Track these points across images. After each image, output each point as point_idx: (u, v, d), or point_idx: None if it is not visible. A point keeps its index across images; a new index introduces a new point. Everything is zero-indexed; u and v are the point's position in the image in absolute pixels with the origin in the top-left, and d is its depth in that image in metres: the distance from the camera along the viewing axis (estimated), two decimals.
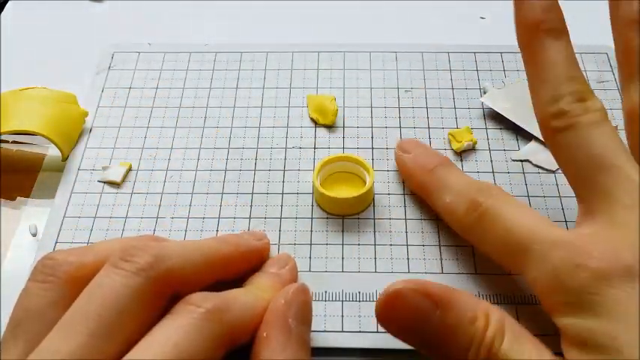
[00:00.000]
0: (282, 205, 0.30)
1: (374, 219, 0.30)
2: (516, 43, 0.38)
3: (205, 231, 0.30)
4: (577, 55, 0.37)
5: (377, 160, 0.32)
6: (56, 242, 0.29)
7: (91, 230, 0.30)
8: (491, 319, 0.21)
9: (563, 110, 0.24)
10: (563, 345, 0.21)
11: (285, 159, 0.32)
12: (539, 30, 0.25)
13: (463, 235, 0.26)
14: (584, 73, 0.36)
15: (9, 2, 0.43)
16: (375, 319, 0.26)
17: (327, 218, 0.30)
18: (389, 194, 0.31)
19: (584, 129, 0.23)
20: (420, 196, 0.29)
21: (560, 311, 0.21)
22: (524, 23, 0.25)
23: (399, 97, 0.35)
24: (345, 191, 0.30)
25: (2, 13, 0.42)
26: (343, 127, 0.34)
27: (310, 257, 0.28)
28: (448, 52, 0.37)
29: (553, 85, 0.24)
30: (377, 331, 0.26)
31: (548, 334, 0.26)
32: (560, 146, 0.24)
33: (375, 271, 0.28)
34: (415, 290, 0.21)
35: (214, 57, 0.38)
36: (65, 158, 0.33)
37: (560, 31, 0.25)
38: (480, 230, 0.25)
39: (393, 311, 0.21)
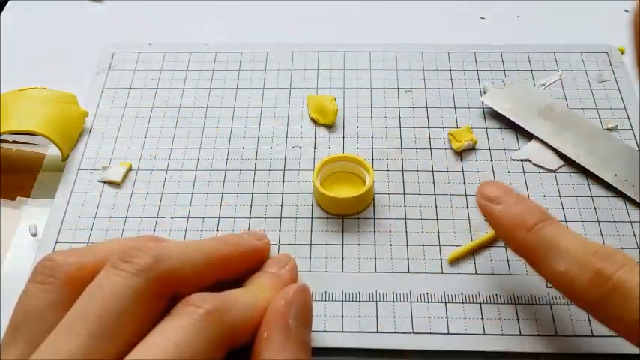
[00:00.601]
0: (282, 205, 0.30)
1: (374, 219, 0.30)
2: (516, 43, 0.38)
3: (205, 231, 0.30)
4: (577, 55, 0.37)
5: (377, 160, 0.32)
6: (56, 242, 0.29)
7: (91, 230, 0.30)
8: None
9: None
10: None
11: (285, 159, 0.32)
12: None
13: (582, 308, 0.23)
14: (584, 73, 0.36)
15: (9, 2, 0.43)
16: (374, 319, 0.26)
17: (327, 218, 0.30)
18: (389, 194, 0.31)
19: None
20: (520, 256, 0.25)
21: None
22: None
23: (399, 97, 0.35)
24: (345, 191, 0.30)
25: (2, 13, 0.42)
26: (343, 127, 0.34)
27: (310, 257, 0.28)
28: (448, 52, 0.37)
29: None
30: (377, 331, 0.26)
31: (549, 335, 0.26)
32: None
33: (375, 271, 0.28)
34: None
35: (214, 57, 0.38)
36: (65, 158, 0.33)
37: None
38: (609, 306, 0.21)
39: None
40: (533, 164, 0.32)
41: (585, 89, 0.35)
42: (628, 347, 0.25)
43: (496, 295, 0.27)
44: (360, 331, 0.26)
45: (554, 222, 0.24)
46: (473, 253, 0.28)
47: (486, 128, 0.33)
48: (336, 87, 0.36)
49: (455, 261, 0.28)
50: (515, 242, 0.25)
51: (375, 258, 0.28)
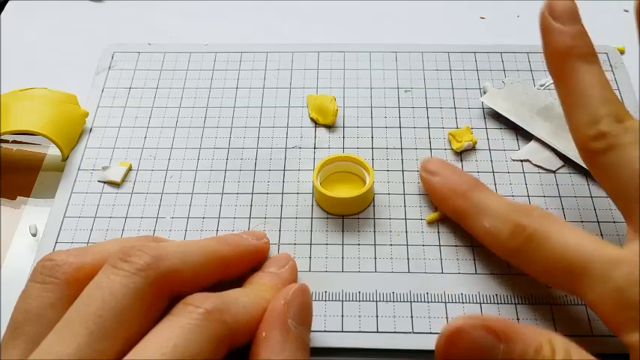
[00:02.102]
0: (282, 205, 0.30)
1: (374, 219, 0.30)
2: (516, 43, 0.38)
3: (205, 231, 0.30)
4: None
5: (377, 160, 0.32)
6: (56, 242, 0.29)
7: (91, 230, 0.30)
8: (556, 346, 0.20)
9: (602, 132, 0.24)
10: None
11: (285, 159, 0.32)
12: (571, 55, 0.25)
13: (507, 259, 0.26)
14: None
15: (9, 2, 0.43)
16: (374, 319, 0.26)
17: (327, 218, 0.30)
18: (389, 194, 0.31)
19: (626, 148, 0.23)
20: (455, 221, 0.28)
21: (628, 328, 0.21)
22: (555, 50, 0.26)
23: (399, 97, 0.35)
24: (345, 191, 0.30)
25: (2, 13, 0.42)
26: (343, 127, 0.34)
27: (310, 257, 0.29)
28: (448, 52, 0.37)
29: (590, 108, 0.24)
30: (377, 331, 0.26)
31: None
32: (602, 168, 0.24)
33: (375, 271, 0.28)
34: (476, 326, 0.21)
35: (214, 57, 0.38)
36: (65, 158, 0.33)
37: (591, 55, 0.25)
38: (527, 254, 0.24)
39: (455, 349, 0.21)
40: (533, 164, 0.32)
41: None
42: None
43: (496, 295, 0.27)
44: (360, 331, 0.26)
45: (484, 188, 0.28)
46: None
47: (486, 128, 0.33)
48: (336, 87, 0.36)
49: (433, 222, 0.29)
50: (450, 207, 0.28)
51: (375, 258, 0.28)
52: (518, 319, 0.26)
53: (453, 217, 0.28)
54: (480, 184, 0.28)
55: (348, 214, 0.30)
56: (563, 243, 0.23)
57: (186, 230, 0.30)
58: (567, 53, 0.25)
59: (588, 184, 0.31)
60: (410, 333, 0.26)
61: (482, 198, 0.27)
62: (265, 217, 0.30)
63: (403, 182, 0.31)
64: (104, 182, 0.32)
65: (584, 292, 0.22)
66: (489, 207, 0.26)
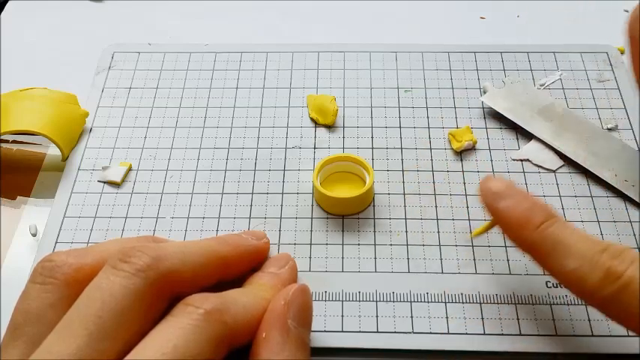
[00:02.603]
0: (282, 205, 0.30)
1: (374, 219, 0.30)
2: (516, 43, 0.38)
3: (205, 231, 0.30)
4: (577, 55, 0.37)
5: (377, 160, 0.32)
6: (56, 242, 0.29)
7: (91, 230, 0.30)
8: None
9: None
10: None
11: (285, 159, 0.32)
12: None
13: (592, 305, 0.23)
14: (584, 73, 0.36)
15: (9, 2, 0.43)
16: (374, 319, 0.26)
17: (327, 218, 0.30)
18: (389, 194, 0.31)
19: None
20: (525, 253, 0.25)
21: None
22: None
23: (399, 97, 0.35)
24: (345, 191, 0.30)
25: (2, 13, 0.42)
26: (343, 127, 0.34)
27: (310, 257, 0.28)
28: (448, 52, 0.37)
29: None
30: (377, 331, 0.26)
31: (549, 335, 0.26)
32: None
33: (375, 271, 0.28)
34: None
35: (214, 57, 0.38)
36: (65, 158, 0.33)
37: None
38: (622, 304, 0.21)
39: None
40: (533, 164, 0.32)
41: (585, 89, 0.35)
42: (628, 347, 0.25)
43: (496, 295, 0.27)
44: (360, 331, 0.26)
45: (561, 220, 0.24)
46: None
47: (486, 128, 0.33)
48: (336, 87, 0.36)
49: (479, 235, 0.28)
50: (522, 240, 0.24)
51: (375, 258, 0.28)
52: (518, 319, 0.26)
53: (525, 252, 0.25)
54: (557, 215, 0.24)
55: (348, 214, 0.30)
56: None
57: (186, 230, 0.30)
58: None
59: (588, 184, 0.31)
60: (410, 333, 0.26)
61: (561, 232, 0.23)
62: (265, 217, 0.30)
63: (403, 182, 0.31)
64: (104, 182, 0.32)
65: None
66: (573, 245, 0.23)
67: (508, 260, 0.28)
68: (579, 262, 0.22)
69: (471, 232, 0.29)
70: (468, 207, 0.30)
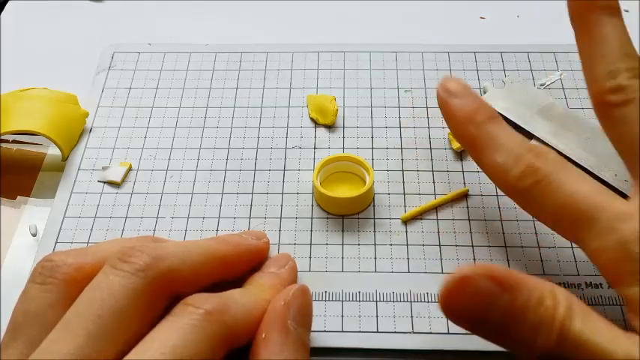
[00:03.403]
0: (282, 205, 0.30)
1: (374, 219, 0.30)
2: (516, 43, 0.38)
3: (205, 231, 0.30)
4: (577, 55, 0.37)
5: (377, 160, 0.32)
6: (56, 242, 0.29)
7: (91, 230, 0.30)
8: (558, 298, 0.20)
9: (621, 85, 0.23)
10: (628, 315, 0.21)
11: (285, 159, 0.32)
12: (596, 6, 0.25)
13: (513, 198, 0.25)
14: None
15: (9, 2, 0.43)
16: (374, 319, 0.26)
17: (327, 218, 0.30)
18: (389, 194, 0.31)
19: None
20: (465, 149, 0.27)
21: (626, 281, 0.21)
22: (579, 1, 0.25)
23: (399, 97, 0.35)
24: (345, 191, 0.30)
25: (2, 13, 0.42)
26: (343, 127, 0.34)
27: (310, 257, 0.28)
28: (448, 52, 0.37)
29: (610, 60, 0.24)
30: (377, 331, 0.26)
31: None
32: (615, 121, 0.24)
33: (375, 271, 0.28)
34: (481, 275, 0.20)
35: (214, 57, 0.38)
36: (65, 158, 0.33)
37: (615, 8, 0.25)
38: (535, 196, 0.24)
39: (458, 298, 0.21)
40: None
41: (585, 89, 0.35)
42: None
43: None
44: (360, 331, 0.26)
45: (501, 121, 0.26)
46: (424, 212, 0.30)
47: None
48: (336, 87, 0.36)
49: (409, 219, 0.29)
50: (464, 135, 0.27)
51: (375, 258, 0.28)
52: None
53: (463, 145, 0.27)
54: (497, 116, 0.27)
55: (348, 214, 0.30)
56: (574, 190, 0.23)
57: (186, 230, 0.30)
58: (592, 3, 0.25)
59: None
60: (410, 333, 0.26)
61: (497, 131, 0.26)
62: (265, 217, 0.30)
63: (403, 182, 0.31)
64: (104, 182, 0.32)
65: (588, 241, 0.22)
66: (504, 142, 0.25)
67: (508, 261, 0.28)
68: (506, 157, 0.25)
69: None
70: (468, 207, 0.30)
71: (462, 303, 0.21)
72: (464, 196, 0.31)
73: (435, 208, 0.30)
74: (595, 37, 0.25)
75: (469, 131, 0.26)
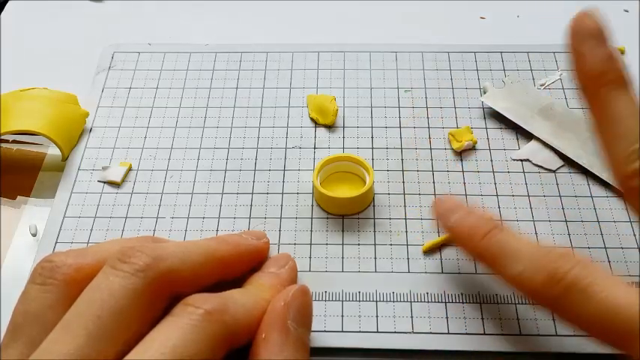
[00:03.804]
0: (282, 205, 0.30)
1: (374, 219, 0.30)
2: (516, 43, 0.38)
3: (205, 231, 0.30)
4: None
5: (377, 160, 0.32)
6: (56, 242, 0.29)
7: (91, 230, 0.30)
8: None
9: None
10: None
11: (285, 159, 0.32)
12: (604, 81, 0.24)
13: (544, 307, 0.24)
14: None
15: (9, 2, 0.43)
16: (374, 319, 0.26)
17: (327, 218, 0.30)
18: (389, 194, 0.31)
19: None
20: (481, 264, 0.27)
21: None
22: (587, 75, 0.24)
23: (399, 97, 0.35)
24: (345, 191, 0.30)
25: (2, 13, 0.42)
26: (343, 127, 0.34)
27: (310, 257, 0.28)
28: (448, 52, 0.37)
29: (628, 141, 0.23)
30: (377, 331, 0.26)
31: (549, 335, 0.26)
32: None
33: (375, 271, 0.28)
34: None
35: (214, 57, 0.38)
36: (65, 158, 0.33)
37: (624, 80, 0.24)
38: (567, 305, 0.22)
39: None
40: (533, 164, 0.32)
41: None
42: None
43: (496, 295, 0.27)
44: (360, 331, 0.26)
45: (506, 229, 0.25)
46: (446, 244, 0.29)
47: (486, 128, 0.33)
48: (336, 87, 0.36)
49: (429, 252, 0.29)
50: (471, 250, 0.26)
51: (375, 258, 0.28)
52: (518, 319, 0.26)
53: (475, 259, 0.26)
54: (502, 225, 0.25)
55: (348, 214, 0.30)
56: (608, 298, 0.21)
57: (186, 230, 0.30)
58: (600, 79, 0.24)
59: (588, 184, 0.31)
60: (410, 333, 0.26)
61: (507, 238, 0.24)
62: (265, 217, 0.30)
63: (403, 182, 0.31)
64: (104, 182, 0.32)
65: (632, 352, 0.21)
66: (518, 250, 0.24)
67: None
68: (524, 266, 0.23)
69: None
70: None
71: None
72: (464, 195, 0.31)
73: (438, 232, 0.30)
74: (608, 116, 0.24)
75: (475, 246, 0.25)
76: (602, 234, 0.29)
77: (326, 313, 0.27)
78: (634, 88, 0.24)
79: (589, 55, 0.24)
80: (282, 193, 0.31)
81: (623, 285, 0.22)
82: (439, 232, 0.29)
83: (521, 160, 0.32)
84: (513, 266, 0.23)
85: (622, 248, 0.28)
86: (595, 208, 0.30)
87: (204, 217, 0.30)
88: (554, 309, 0.23)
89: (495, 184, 0.31)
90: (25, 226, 0.31)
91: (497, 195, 0.31)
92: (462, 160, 0.32)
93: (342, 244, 0.29)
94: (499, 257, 0.24)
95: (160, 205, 0.31)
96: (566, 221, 0.29)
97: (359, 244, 0.29)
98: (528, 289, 0.23)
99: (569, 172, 0.31)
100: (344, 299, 0.27)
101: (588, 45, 0.24)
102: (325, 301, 0.27)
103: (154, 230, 0.30)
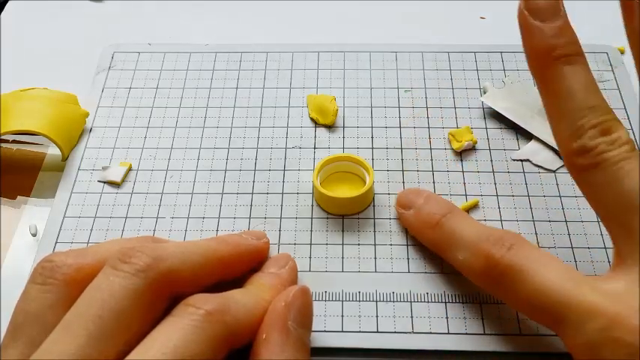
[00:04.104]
0: (282, 205, 0.30)
1: (374, 219, 0.30)
2: (516, 43, 0.38)
3: (205, 231, 0.30)
4: None
5: (377, 160, 0.32)
6: (56, 242, 0.29)
7: (91, 230, 0.30)
8: None
9: (586, 146, 0.22)
10: None
11: (285, 159, 0.32)
12: (552, 57, 0.23)
13: (487, 291, 0.25)
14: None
15: (9, 2, 0.43)
16: (374, 319, 0.26)
17: (327, 218, 0.30)
18: (389, 194, 0.31)
19: (612, 166, 0.21)
20: (435, 253, 0.27)
21: None
22: (535, 51, 0.23)
23: (399, 97, 0.35)
24: (345, 191, 0.30)
25: (2, 13, 0.42)
26: (343, 127, 0.34)
27: (310, 257, 0.28)
28: (448, 52, 0.37)
29: (573, 118, 0.22)
30: (377, 331, 0.26)
31: (549, 335, 0.26)
32: (587, 184, 0.22)
33: (375, 271, 0.28)
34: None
35: (214, 57, 0.38)
36: (65, 158, 0.33)
37: (575, 55, 0.23)
38: (503, 289, 0.23)
39: None
40: (533, 164, 0.32)
41: None
42: None
43: None
44: (360, 331, 0.26)
45: (457, 213, 0.26)
46: None
47: (486, 128, 0.33)
48: (336, 87, 0.36)
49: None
50: (426, 241, 0.27)
51: (375, 258, 0.28)
52: (518, 319, 0.26)
53: (432, 250, 0.27)
54: (454, 209, 0.26)
55: (348, 214, 0.30)
56: (540, 281, 0.21)
57: (186, 230, 0.30)
58: (548, 54, 0.23)
59: None
60: (410, 333, 0.26)
61: (454, 226, 0.25)
62: (265, 217, 0.30)
63: (403, 182, 0.31)
64: (104, 182, 0.32)
65: (562, 337, 0.21)
66: (461, 237, 0.24)
67: None
68: (465, 253, 0.24)
69: None
70: None
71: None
72: (464, 195, 0.31)
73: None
74: (556, 92, 0.23)
75: (429, 236, 0.27)
76: (602, 234, 0.29)
77: (326, 313, 0.27)
78: (584, 61, 0.23)
79: (537, 31, 0.23)
80: (282, 193, 0.31)
81: (555, 264, 0.22)
82: None
83: (521, 160, 0.32)
84: (458, 253, 0.24)
85: None
86: None
87: (204, 217, 0.30)
88: (495, 293, 0.24)
89: (495, 184, 0.31)
90: (25, 226, 0.31)
91: (497, 195, 0.31)
92: (462, 160, 0.32)
93: (342, 244, 0.29)
94: (448, 245, 0.25)
95: (160, 205, 0.31)
96: (566, 221, 0.29)
97: (359, 244, 0.29)
98: (471, 275, 0.24)
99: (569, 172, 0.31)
100: (344, 299, 0.27)
101: (539, 19, 0.23)
102: (325, 301, 0.27)
103: (154, 230, 0.30)
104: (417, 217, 0.27)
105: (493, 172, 0.32)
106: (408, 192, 0.29)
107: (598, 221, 0.29)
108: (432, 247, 0.27)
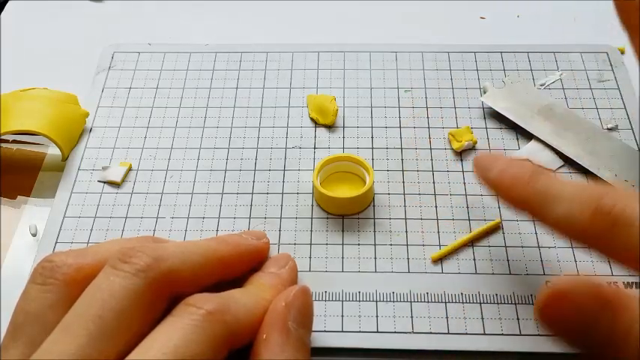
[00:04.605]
0: (282, 205, 0.30)
1: (374, 219, 0.30)
2: (516, 43, 0.38)
3: (205, 231, 0.30)
4: (577, 55, 0.37)
5: (377, 160, 0.32)
6: (56, 242, 0.29)
7: (91, 230, 0.30)
8: None
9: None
10: None
11: (285, 159, 0.32)
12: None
13: (590, 246, 0.23)
14: (584, 73, 0.36)
15: (9, 2, 0.43)
16: (374, 319, 0.26)
17: (327, 218, 0.30)
18: (389, 194, 0.31)
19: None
20: (521, 212, 0.25)
21: None
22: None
23: (399, 97, 0.35)
24: (345, 191, 0.30)
25: (2, 13, 0.42)
26: (343, 127, 0.34)
27: (310, 257, 0.29)
28: (448, 52, 0.37)
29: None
30: (377, 331, 0.26)
31: (549, 335, 0.26)
32: None
33: (375, 271, 0.28)
34: (584, 291, 0.19)
35: (214, 57, 0.38)
36: (65, 158, 0.33)
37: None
38: (613, 239, 0.21)
39: (556, 311, 0.19)
40: (533, 164, 0.32)
41: (585, 89, 0.35)
42: None
43: (496, 295, 0.27)
44: (360, 331, 0.26)
45: (547, 172, 0.25)
46: (456, 251, 0.29)
47: (486, 128, 0.33)
48: (336, 87, 0.36)
49: (437, 261, 0.28)
50: (515, 199, 0.25)
51: (375, 258, 0.28)
52: (518, 319, 0.26)
53: (518, 209, 0.25)
54: (543, 169, 0.25)
55: (348, 214, 0.30)
56: None
57: (186, 230, 0.30)
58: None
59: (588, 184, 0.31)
60: (410, 333, 0.26)
61: (549, 181, 0.24)
62: (265, 217, 0.30)
63: (403, 182, 0.31)
64: (104, 182, 0.32)
65: None
66: (562, 189, 0.23)
67: (508, 260, 0.28)
68: (568, 205, 0.22)
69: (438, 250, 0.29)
70: (468, 207, 0.30)
71: (559, 317, 0.20)
72: (464, 195, 0.31)
73: (435, 208, 0.30)
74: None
75: (520, 193, 0.25)
76: None
77: (326, 313, 0.27)
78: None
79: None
80: (282, 193, 0.31)
81: None
82: (438, 232, 0.29)
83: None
84: (556, 207, 0.23)
85: None
86: None
87: (204, 217, 0.30)
88: (600, 246, 0.22)
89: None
90: (25, 226, 0.31)
91: (497, 195, 0.30)
92: (462, 160, 0.32)
93: (342, 244, 0.29)
94: (544, 201, 0.23)
95: (159, 205, 0.31)
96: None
97: (359, 244, 0.29)
98: (574, 228, 0.22)
99: (569, 172, 0.31)
100: (344, 299, 0.27)
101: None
102: (325, 301, 0.27)
103: (154, 230, 0.30)
104: (506, 175, 0.25)
105: None
106: (484, 156, 0.27)
107: None
108: (521, 204, 0.25)
